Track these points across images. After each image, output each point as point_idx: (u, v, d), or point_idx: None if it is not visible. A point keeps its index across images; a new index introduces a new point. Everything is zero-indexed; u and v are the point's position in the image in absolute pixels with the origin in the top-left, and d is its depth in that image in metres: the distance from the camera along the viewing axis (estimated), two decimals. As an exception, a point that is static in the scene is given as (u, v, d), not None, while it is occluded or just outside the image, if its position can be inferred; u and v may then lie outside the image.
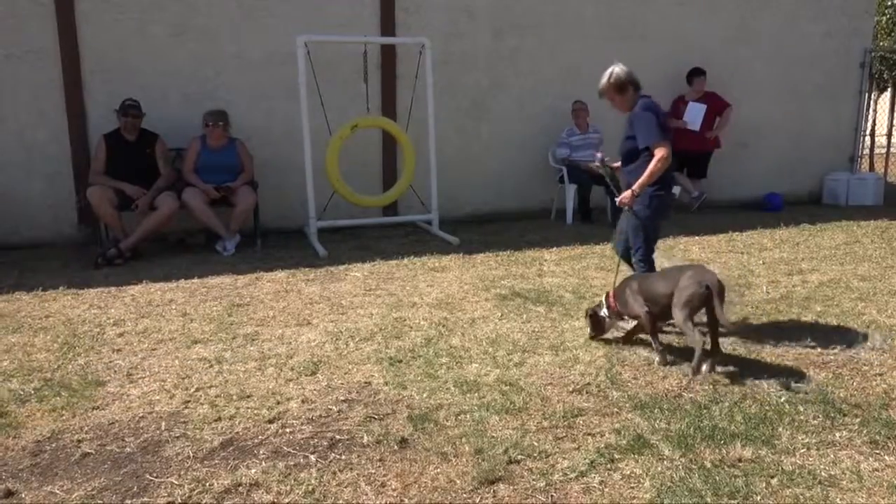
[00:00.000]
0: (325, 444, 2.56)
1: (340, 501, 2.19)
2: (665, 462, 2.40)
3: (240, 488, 2.26)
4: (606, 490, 2.25)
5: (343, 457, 2.46)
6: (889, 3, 13.81)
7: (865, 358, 3.36)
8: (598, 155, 4.23)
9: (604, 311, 3.57)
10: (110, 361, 3.38)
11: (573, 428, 2.66)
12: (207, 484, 2.29)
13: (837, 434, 2.60)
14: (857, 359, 3.35)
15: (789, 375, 3.12)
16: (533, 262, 5.46)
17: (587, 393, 2.98)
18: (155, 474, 2.36)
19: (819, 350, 3.47)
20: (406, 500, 2.20)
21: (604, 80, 3.74)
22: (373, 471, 2.37)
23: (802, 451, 2.48)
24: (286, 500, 2.20)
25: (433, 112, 6.49)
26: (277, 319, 4.02)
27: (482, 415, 2.76)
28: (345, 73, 6.58)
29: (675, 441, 2.52)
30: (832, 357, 3.38)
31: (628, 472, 2.34)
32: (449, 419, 2.74)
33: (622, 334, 3.62)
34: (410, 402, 2.90)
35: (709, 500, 2.18)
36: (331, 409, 2.84)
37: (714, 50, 8.10)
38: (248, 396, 2.96)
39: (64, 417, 2.77)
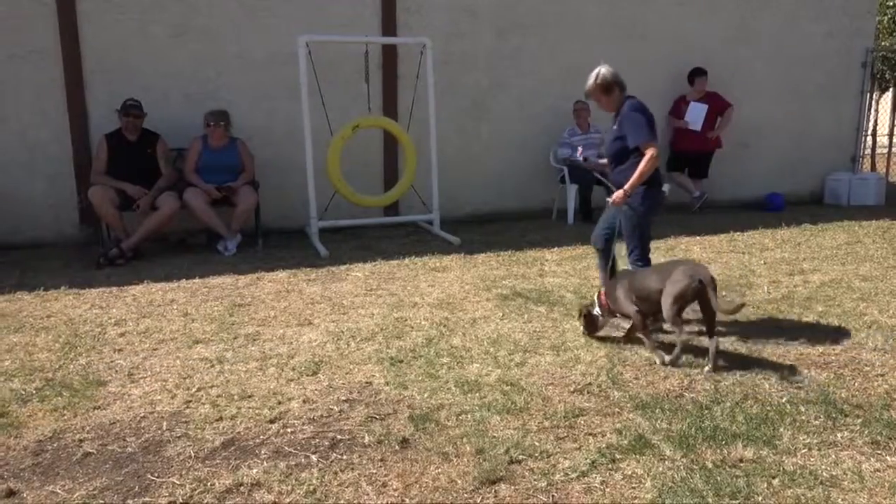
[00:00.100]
0: (327, 444, 2.56)
1: (342, 501, 2.19)
2: (666, 462, 2.40)
3: (241, 488, 2.26)
4: (608, 490, 2.25)
5: (344, 457, 2.46)
6: (891, 3, 13.79)
7: (867, 358, 3.36)
8: (580, 154, 4.23)
9: (596, 310, 3.58)
10: (112, 361, 3.38)
11: (574, 428, 2.66)
12: (209, 484, 2.29)
13: (839, 434, 2.59)
14: (858, 359, 3.35)
15: (791, 375, 3.13)
16: (534, 262, 5.46)
17: (588, 393, 2.98)
18: (156, 474, 2.36)
19: (820, 350, 3.47)
20: (407, 500, 2.20)
21: (590, 80, 3.79)
22: (374, 471, 2.37)
23: (804, 451, 2.47)
24: (287, 500, 2.20)
25: (434, 112, 6.49)
26: (279, 319, 4.02)
27: (483, 415, 2.76)
28: (346, 73, 6.58)
29: (677, 441, 2.52)
30: (834, 357, 3.38)
31: (629, 473, 2.34)
32: (450, 419, 2.74)
33: (622, 334, 3.62)
34: (411, 402, 2.90)
35: (710, 500, 2.17)
36: (332, 409, 2.84)
37: (715, 50, 8.10)
38: (250, 396, 2.97)
39: (65, 417, 2.77)
